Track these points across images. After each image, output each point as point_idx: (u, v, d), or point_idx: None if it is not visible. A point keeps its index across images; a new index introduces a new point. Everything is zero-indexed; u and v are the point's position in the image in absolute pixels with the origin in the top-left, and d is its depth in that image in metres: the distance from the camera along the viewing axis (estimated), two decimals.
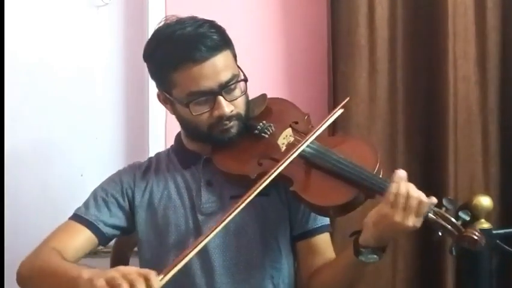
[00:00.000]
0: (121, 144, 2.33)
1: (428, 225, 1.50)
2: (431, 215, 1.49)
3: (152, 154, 1.86)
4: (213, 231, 1.48)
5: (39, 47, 2.23)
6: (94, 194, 1.73)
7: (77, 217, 1.70)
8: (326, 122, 1.67)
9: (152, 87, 2.21)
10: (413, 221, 1.47)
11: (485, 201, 2.26)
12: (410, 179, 2.28)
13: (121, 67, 2.31)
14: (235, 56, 1.67)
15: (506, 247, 2.24)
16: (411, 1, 2.31)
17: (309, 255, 1.72)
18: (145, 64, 2.21)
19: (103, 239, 1.70)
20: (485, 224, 2.25)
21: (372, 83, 2.27)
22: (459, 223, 1.49)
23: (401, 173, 1.52)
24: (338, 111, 1.71)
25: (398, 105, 2.31)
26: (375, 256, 1.53)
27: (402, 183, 1.49)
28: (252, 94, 1.74)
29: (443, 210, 1.50)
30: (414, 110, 2.33)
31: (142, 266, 1.74)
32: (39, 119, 2.24)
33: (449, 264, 2.24)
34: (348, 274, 1.62)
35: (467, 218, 1.49)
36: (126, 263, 1.94)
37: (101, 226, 1.68)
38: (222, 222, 1.49)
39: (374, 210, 1.52)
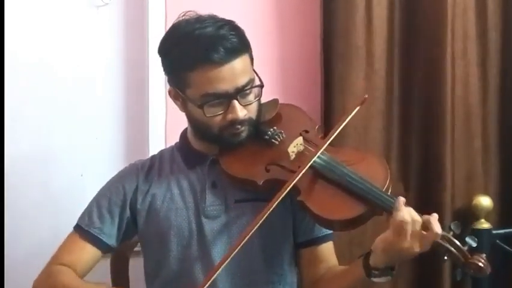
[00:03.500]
0: (121, 144, 2.32)
1: (434, 249, 1.49)
2: (438, 239, 1.47)
3: (152, 154, 1.85)
4: (226, 259, 1.49)
5: (39, 47, 2.23)
6: (97, 203, 1.71)
7: (80, 230, 1.70)
8: (349, 115, 1.66)
9: (153, 88, 2.23)
10: (421, 246, 1.46)
11: (485, 201, 2.27)
12: (407, 180, 2.32)
13: (121, 67, 2.31)
14: (252, 60, 1.65)
15: (506, 247, 2.24)
16: (409, 1, 2.31)
17: (313, 263, 1.71)
18: (145, 64, 2.24)
19: (107, 250, 1.71)
20: (485, 224, 2.26)
21: (369, 83, 2.27)
22: (465, 249, 1.47)
23: (403, 200, 1.50)
24: (356, 109, 1.68)
25: (395, 105, 2.32)
26: (387, 276, 1.53)
27: (405, 211, 1.46)
28: None
29: (450, 234, 1.48)
30: (412, 110, 2.33)
31: (145, 270, 1.75)
32: (39, 119, 2.23)
33: (447, 263, 2.24)
34: None
35: (474, 244, 1.48)
36: (126, 264, 1.94)
37: (104, 238, 1.68)
38: (236, 247, 1.49)
39: (381, 238, 1.50)
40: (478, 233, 2.22)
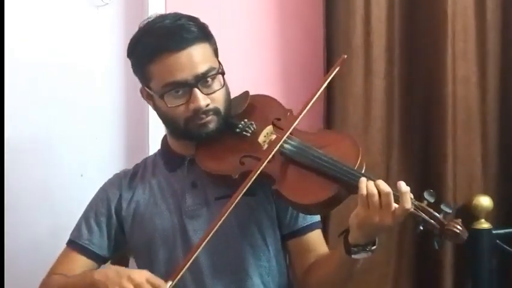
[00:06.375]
0: (121, 144, 2.33)
1: (409, 219, 1.48)
2: (412, 209, 1.46)
3: (152, 154, 1.86)
4: (206, 236, 1.49)
5: (39, 47, 2.23)
6: (85, 216, 1.74)
7: (71, 244, 1.72)
8: (326, 81, 1.66)
9: None
10: (393, 219, 1.45)
11: (484, 201, 2.27)
12: (408, 180, 2.31)
13: (121, 67, 2.31)
14: (215, 51, 1.66)
15: (506, 247, 2.24)
16: (408, 1, 2.31)
17: (301, 253, 1.71)
18: None
19: (100, 261, 1.72)
20: (485, 224, 2.26)
21: (369, 84, 2.27)
22: (441, 216, 1.46)
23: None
24: (336, 70, 1.68)
25: (395, 106, 2.32)
26: (367, 252, 1.52)
27: (370, 183, 1.47)
28: None
29: (424, 204, 1.48)
30: (412, 111, 2.33)
31: None
32: (39, 119, 2.23)
33: (448, 264, 2.24)
34: (342, 270, 1.60)
35: (449, 211, 1.47)
36: (126, 264, 1.94)
37: (95, 249, 1.70)
38: (214, 226, 1.49)
39: (353, 214, 1.50)
40: (478, 233, 2.23)
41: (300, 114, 1.62)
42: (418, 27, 2.30)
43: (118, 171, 1.82)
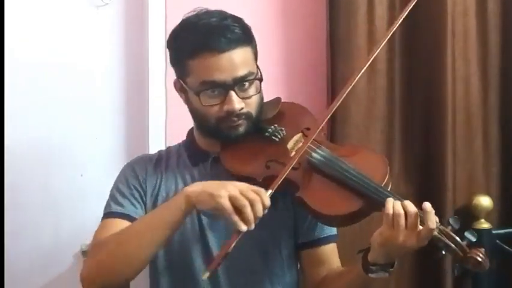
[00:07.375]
0: (121, 144, 2.32)
1: (432, 243, 1.47)
2: (436, 233, 1.45)
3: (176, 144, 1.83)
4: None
5: (39, 47, 2.23)
6: (119, 190, 1.67)
7: (114, 214, 1.63)
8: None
9: (153, 87, 2.23)
10: (418, 240, 1.45)
11: (485, 201, 2.27)
12: (408, 180, 2.32)
13: (121, 67, 2.31)
14: (255, 55, 1.66)
15: (506, 247, 2.24)
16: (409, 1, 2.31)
17: (314, 264, 1.70)
18: (145, 64, 2.24)
19: None
20: (485, 224, 2.26)
21: (371, 83, 2.27)
22: (464, 243, 1.46)
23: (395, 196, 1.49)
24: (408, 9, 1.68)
25: (397, 105, 2.32)
26: (385, 273, 1.51)
27: (397, 203, 1.46)
28: None
29: (449, 229, 1.47)
30: (413, 110, 2.33)
31: (149, 268, 1.73)
32: (39, 119, 2.23)
33: (448, 263, 2.24)
34: (356, 287, 1.60)
35: (473, 239, 1.46)
36: None
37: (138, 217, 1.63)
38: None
39: (377, 232, 1.49)
40: (478, 233, 2.21)
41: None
42: (419, 27, 2.30)
43: (118, 171, 1.77)
